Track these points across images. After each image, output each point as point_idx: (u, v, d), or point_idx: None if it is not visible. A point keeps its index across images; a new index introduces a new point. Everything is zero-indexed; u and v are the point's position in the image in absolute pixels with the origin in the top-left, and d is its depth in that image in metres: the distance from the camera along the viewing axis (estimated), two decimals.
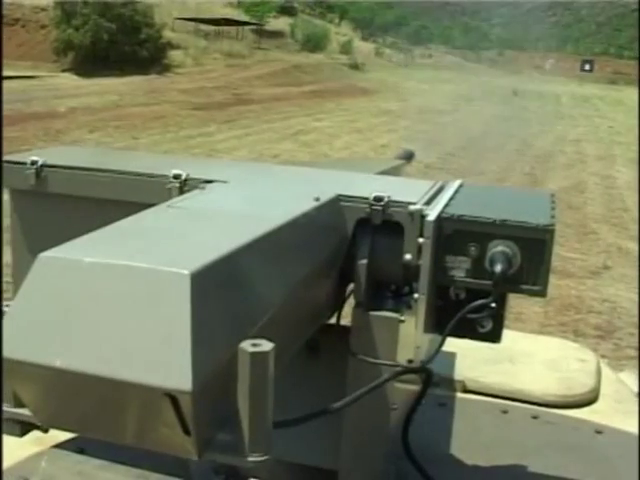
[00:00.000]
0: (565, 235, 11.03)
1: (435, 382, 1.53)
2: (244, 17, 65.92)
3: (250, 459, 0.88)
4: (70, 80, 36.73)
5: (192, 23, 56.65)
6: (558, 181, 16.71)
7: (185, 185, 1.46)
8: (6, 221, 1.69)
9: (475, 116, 31.43)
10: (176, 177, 1.47)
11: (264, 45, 61.53)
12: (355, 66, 58.74)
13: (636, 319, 7.41)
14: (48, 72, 38.22)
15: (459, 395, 2.15)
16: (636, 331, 7.22)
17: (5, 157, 1.61)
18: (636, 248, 10.99)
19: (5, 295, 1.05)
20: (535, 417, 2.05)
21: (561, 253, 10.11)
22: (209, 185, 1.43)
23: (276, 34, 68.38)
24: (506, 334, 1.42)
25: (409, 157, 2.61)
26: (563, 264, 9.85)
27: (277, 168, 2.28)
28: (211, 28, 58.81)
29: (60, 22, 41.81)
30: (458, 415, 2.02)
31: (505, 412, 2.07)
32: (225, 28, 60.86)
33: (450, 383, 2.17)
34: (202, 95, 32.41)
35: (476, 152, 20.21)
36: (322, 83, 43.43)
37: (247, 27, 64.68)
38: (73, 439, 1.64)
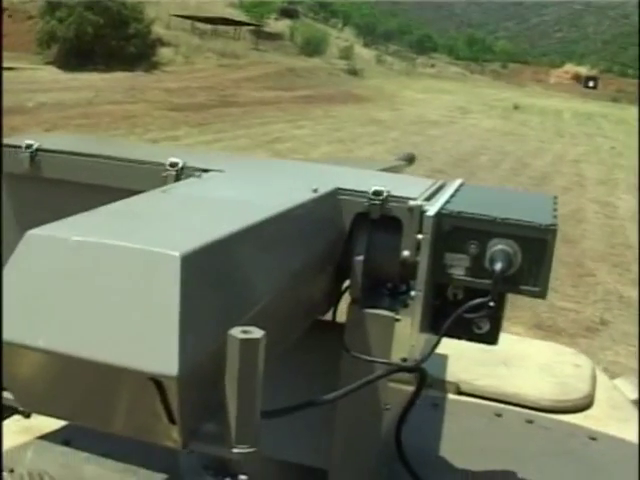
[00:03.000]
0: (559, 277, 9.30)
1: (429, 383, 1.57)
2: (244, 18, 64.70)
3: (236, 451, 0.84)
4: (51, 73, 35.32)
5: (189, 21, 55.44)
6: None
7: (182, 173, 1.44)
8: None
9: (471, 130, 29.82)
10: (173, 165, 1.45)
11: (262, 47, 60.38)
12: (353, 72, 57.33)
13: None
14: (30, 64, 36.65)
15: (452, 397, 2.11)
16: None
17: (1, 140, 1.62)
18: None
19: None
20: (529, 421, 2.02)
21: (553, 302, 8.48)
22: (205, 174, 1.42)
23: (275, 36, 67.44)
24: (501, 337, 1.40)
25: (410, 159, 2.55)
26: (554, 317, 8.21)
27: (276, 161, 2.59)
28: (208, 27, 57.62)
29: (45, 13, 40.22)
30: (451, 417, 1.98)
31: (499, 415, 2.04)
32: (223, 28, 59.81)
33: (444, 384, 2.13)
34: (184, 95, 30.93)
35: (467, 170, 18.48)
36: (316, 88, 41.97)
37: (246, 28, 63.62)
38: (59, 430, 1.60)
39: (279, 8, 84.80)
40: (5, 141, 1.60)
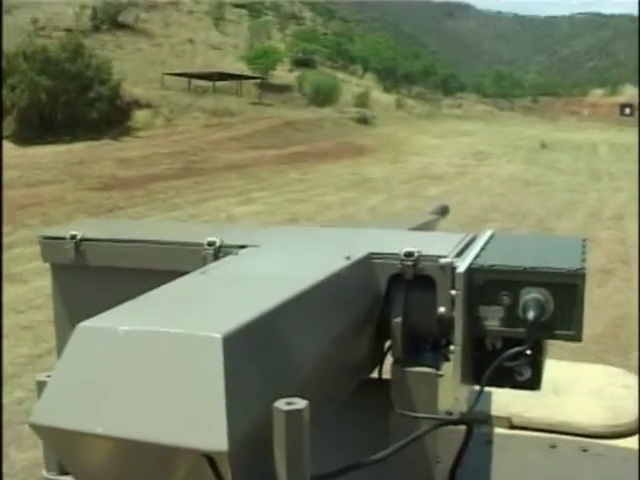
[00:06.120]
0: None
1: (480, 420, 1.66)
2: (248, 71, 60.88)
3: None
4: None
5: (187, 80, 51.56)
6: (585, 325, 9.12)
7: (219, 251, 1.49)
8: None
9: (484, 182, 24.34)
10: (210, 244, 1.50)
11: (267, 100, 56.01)
12: (364, 120, 52.16)
13: None
14: None
15: (505, 432, 2.09)
16: None
17: (43, 233, 1.68)
18: None
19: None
20: (584, 450, 1.98)
21: None
22: (242, 250, 1.47)
23: (283, 88, 63.16)
24: (548, 364, 1.42)
25: (444, 212, 2.52)
26: None
27: (309, 230, 2.29)
28: (209, 84, 53.41)
29: None
30: (505, 452, 1.95)
31: (553, 447, 2.00)
32: (227, 84, 55.53)
33: (496, 420, 2.10)
34: (140, 166, 26.19)
35: None
36: (312, 142, 36.92)
37: (252, 81, 59.51)
38: None
39: (293, 58, 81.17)
40: (50, 232, 1.67)
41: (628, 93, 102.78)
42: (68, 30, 59.82)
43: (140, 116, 40.14)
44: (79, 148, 31.14)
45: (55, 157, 27.71)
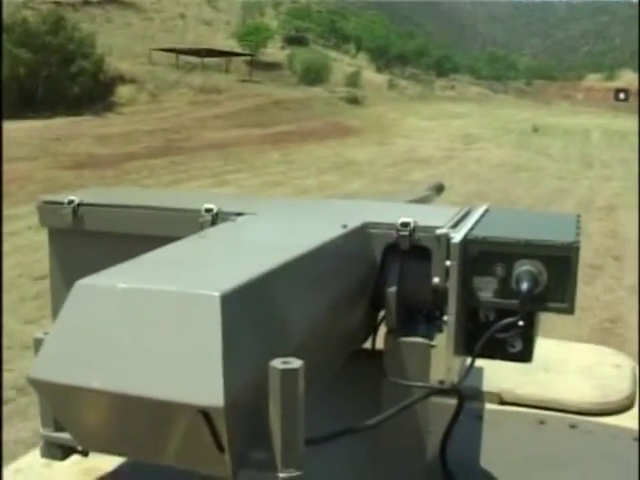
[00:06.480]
0: None
1: (471, 395, 1.68)
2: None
3: (282, 475, 0.90)
4: None
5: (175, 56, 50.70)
6: (569, 327, 8.14)
7: (217, 218, 1.51)
8: None
9: (471, 167, 23.58)
10: (208, 211, 1.51)
11: (257, 78, 55.06)
12: (354, 100, 51.28)
13: None
14: None
15: (495, 407, 2.11)
16: None
17: (42, 197, 1.67)
18: None
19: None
20: (573, 426, 2.02)
21: None
22: (239, 217, 1.48)
23: (273, 66, 62.16)
24: (540, 342, 1.42)
25: (439, 189, 2.52)
26: None
27: (306, 201, 2.45)
28: (198, 60, 52.47)
29: None
30: (495, 428, 1.98)
31: (542, 422, 2.03)
32: (216, 60, 54.62)
33: (486, 396, 2.13)
34: (118, 143, 25.40)
35: None
36: (300, 122, 36.10)
37: (242, 58, 58.58)
38: (120, 471, 1.63)
39: (285, 36, 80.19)
40: (47, 198, 1.67)
41: (626, 78, 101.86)
42: (56, 3, 58.73)
43: (124, 91, 39.17)
44: (58, 124, 30.22)
45: (31, 133, 26.81)
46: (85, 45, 36.75)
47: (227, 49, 58.14)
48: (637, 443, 1.89)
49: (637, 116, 46.90)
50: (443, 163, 24.26)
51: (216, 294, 0.86)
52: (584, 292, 10.16)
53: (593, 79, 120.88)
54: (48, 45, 34.26)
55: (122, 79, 40.50)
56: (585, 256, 6.50)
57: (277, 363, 0.86)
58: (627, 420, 2.05)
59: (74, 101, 34.19)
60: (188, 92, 43.51)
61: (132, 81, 41.20)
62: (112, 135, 27.53)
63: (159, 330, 0.87)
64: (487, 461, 1.80)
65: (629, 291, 10.40)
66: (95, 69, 37.13)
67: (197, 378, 0.83)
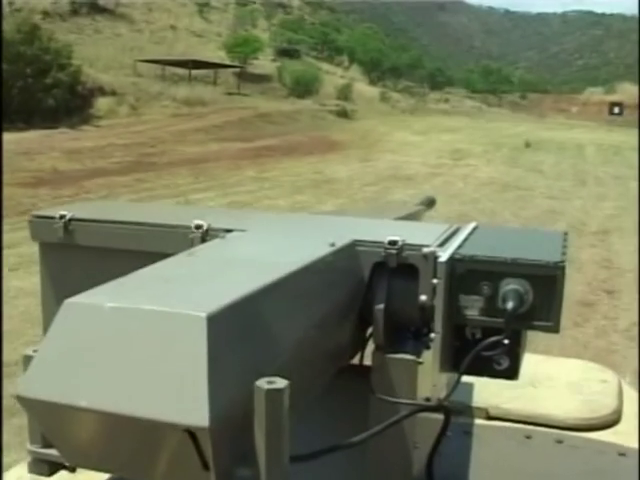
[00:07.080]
0: None
1: (458, 410, 1.69)
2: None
3: None
4: None
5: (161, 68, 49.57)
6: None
7: (207, 235, 1.51)
8: None
9: (457, 186, 22.33)
10: (198, 227, 1.52)
11: (246, 90, 53.95)
12: (343, 113, 50.13)
13: None
14: None
15: (482, 422, 2.12)
16: None
17: (35, 212, 1.68)
18: None
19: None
20: (559, 441, 2.02)
21: None
22: (229, 234, 1.49)
23: (263, 78, 61.04)
24: (527, 358, 1.43)
25: (430, 203, 2.54)
26: None
27: (295, 216, 2.50)
28: (186, 72, 51.36)
29: None
30: (482, 443, 1.98)
31: (529, 437, 2.04)
32: (204, 72, 53.47)
33: (473, 411, 2.13)
34: (88, 158, 24.32)
35: None
36: (284, 136, 34.88)
37: (231, 70, 57.50)
38: None
39: (276, 48, 79.17)
40: (39, 212, 1.68)
41: (626, 91, 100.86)
42: (45, 13, 57.58)
43: (103, 104, 37.95)
44: (31, 137, 28.99)
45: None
46: (61, 56, 35.49)
47: (214, 60, 56.96)
48: (623, 458, 1.90)
49: (632, 130, 45.91)
50: (428, 181, 23.00)
51: (202, 314, 0.87)
52: (573, 336, 8.91)
53: (592, 92, 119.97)
54: (23, 55, 33.02)
55: (102, 91, 39.31)
56: (575, 291, 5.26)
57: (262, 383, 0.87)
58: (613, 436, 2.06)
59: (50, 113, 32.94)
60: (171, 104, 42.33)
61: (112, 93, 39.99)
62: (84, 149, 26.31)
63: (146, 349, 0.87)
64: (474, 476, 1.79)
65: (624, 336, 9.13)
66: (72, 80, 35.88)
67: (183, 398, 0.83)
